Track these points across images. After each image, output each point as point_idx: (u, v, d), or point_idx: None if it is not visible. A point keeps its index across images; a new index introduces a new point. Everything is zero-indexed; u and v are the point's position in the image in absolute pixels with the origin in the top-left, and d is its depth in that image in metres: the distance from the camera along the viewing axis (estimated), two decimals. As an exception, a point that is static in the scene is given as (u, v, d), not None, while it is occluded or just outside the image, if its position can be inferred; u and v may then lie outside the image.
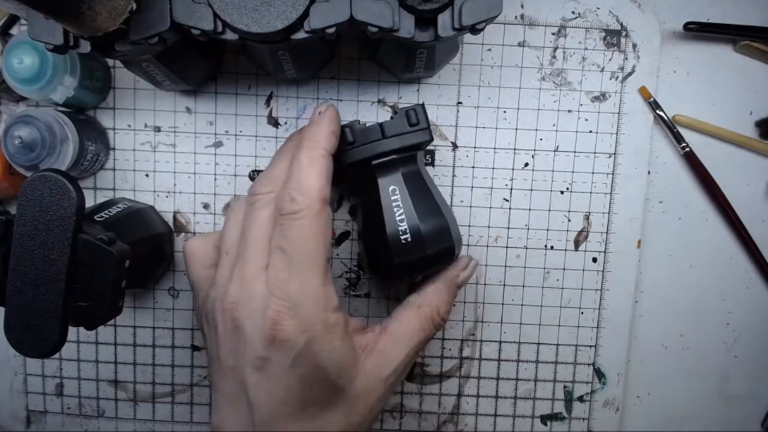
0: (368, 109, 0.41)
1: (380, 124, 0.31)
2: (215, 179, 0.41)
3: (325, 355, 0.28)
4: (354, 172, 0.33)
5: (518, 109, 0.41)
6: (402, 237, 0.31)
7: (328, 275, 0.29)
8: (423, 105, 0.32)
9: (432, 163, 0.41)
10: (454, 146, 0.41)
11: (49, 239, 0.27)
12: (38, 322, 0.27)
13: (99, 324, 0.29)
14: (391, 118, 0.32)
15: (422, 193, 0.33)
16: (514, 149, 0.41)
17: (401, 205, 0.32)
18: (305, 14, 0.28)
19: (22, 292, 0.27)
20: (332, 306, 0.29)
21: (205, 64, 0.37)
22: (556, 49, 0.40)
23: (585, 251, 0.42)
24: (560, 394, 0.43)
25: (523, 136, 0.41)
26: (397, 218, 0.31)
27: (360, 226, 0.36)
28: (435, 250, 0.32)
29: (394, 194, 0.32)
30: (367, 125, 0.32)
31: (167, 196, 0.41)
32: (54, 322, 0.27)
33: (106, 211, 0.35)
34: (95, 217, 0.33)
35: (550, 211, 0.41)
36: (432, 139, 0.32)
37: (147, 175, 0.41)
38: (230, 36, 0.29)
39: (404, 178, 0.32)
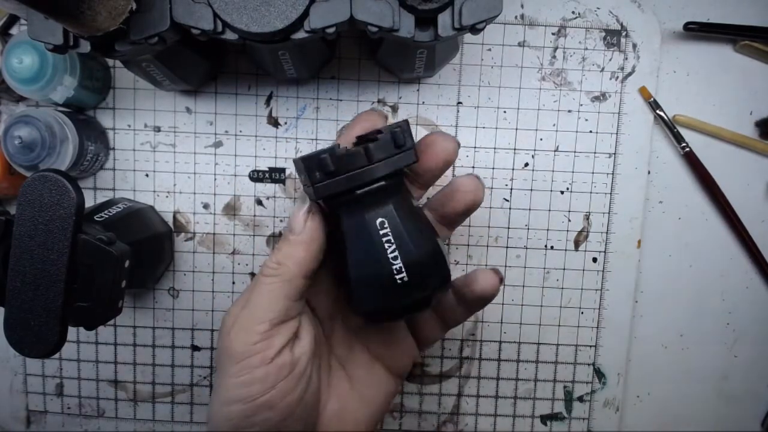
0: (373, 107, 0.40)
1: (365, 148, 0.26)
2: (215, 179, 0.41)
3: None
4: (328, 205, 0.28)
5: (518, 109, 0.41)
6: (398, 277, 0.27)
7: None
8: (407, 122, 0.27)
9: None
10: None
11: (48, 239, 0.27)
12: (38, 322, 0.27)
13: (99, 324, 0.29)
14: (376, 139, 0.27)
15: (414, 219, 0.28)
16: (514, 149, 0.41)
17: (392, 240, 0.27)
18: (305, 14, 0.28)
19: (21, 292, 0.27)
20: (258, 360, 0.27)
21: (205, 64, 0.37)
22: (556, 49, 0.40)
23: (585, 251, 0.42)
24: (560, 394, 0.43)
25: (523, 136, 0.41)
26: (390, 255, 0.26)
27: (337, 264, 0.30)
28: (432, 286, 0.28)
29: (383, 227, 0.27)
30: (347, 149, 0.27)
31: (167, 196, 0.41)
32: (54, 322, 0.27)
33: (105, 211, 0.35)
34: (95, 217, 0.33)
35: (550, 211, 0.41)
36: (418, 160, 0.28)
37: (147, 175, 0.41)
38: (230, 36, 0.29)
39: (393, 207, 0.27)
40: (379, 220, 0.27)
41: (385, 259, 0.26)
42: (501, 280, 0.31)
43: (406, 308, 0.28)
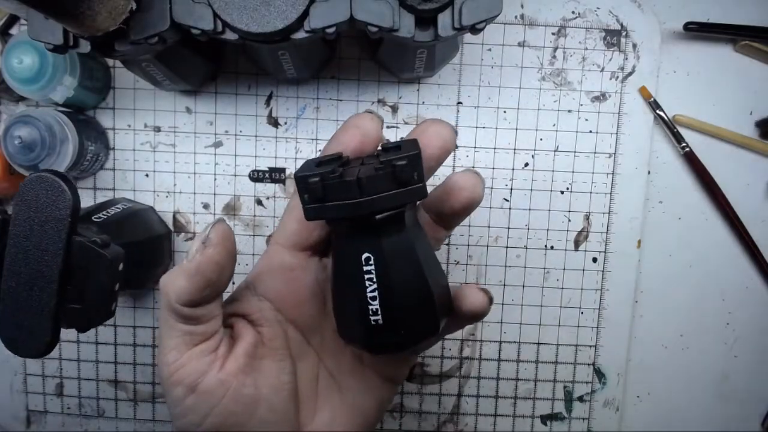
0: (368, 108, 0.40)
1: (358, 179, 0.23)
2: (215, 179, 0.41)
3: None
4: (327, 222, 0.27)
5: (518, 109, 0.41)
6: (372, 318, 0.25)
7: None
8: (419, 154, 0.24)
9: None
10: (455, 146, 0.41)
11: (43, 240, 0.27)
12: (31, 322, 0.27)
13: (91, 326, 0.28)
14: (376, 169, 0.23)
15: (410, 262, 0.25)
16: (514, 149, 0.41)
17: (374, 279, 0.25)
18: (305, 14, 0.28)
19: (16, 291, 0.27)
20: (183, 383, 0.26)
21: (205, 64, 0.37)
22: (556, 49, 0.40)
23: (585, 251, 0.42)
24: (560, 394, 0.43)
25: (523, 136, 0.41)
26: (369, 294, 0.25)
27: (330, 284, 0.29)
28: (414, 334, 0.26)
29: (367, 264, 0.25)
30: (344, 176, 0.24)
31: (167, 196, 0.41)
32: (47, 323, 0.27)
33: (104, 212, 0.35)
34: (93, 218, 0.33)
35: (550, 211, 0.41)
36: (426, 195, 0.25)
37: (147, 175, 0.41)
38: (230, 36, 0.29)
39: (384, 245, 0.25)
40: (365, 255, 0.25)
41: (363, 297, 0.25)
42: (490, 300, 0.28)
43: (379, 348, 0.27)
